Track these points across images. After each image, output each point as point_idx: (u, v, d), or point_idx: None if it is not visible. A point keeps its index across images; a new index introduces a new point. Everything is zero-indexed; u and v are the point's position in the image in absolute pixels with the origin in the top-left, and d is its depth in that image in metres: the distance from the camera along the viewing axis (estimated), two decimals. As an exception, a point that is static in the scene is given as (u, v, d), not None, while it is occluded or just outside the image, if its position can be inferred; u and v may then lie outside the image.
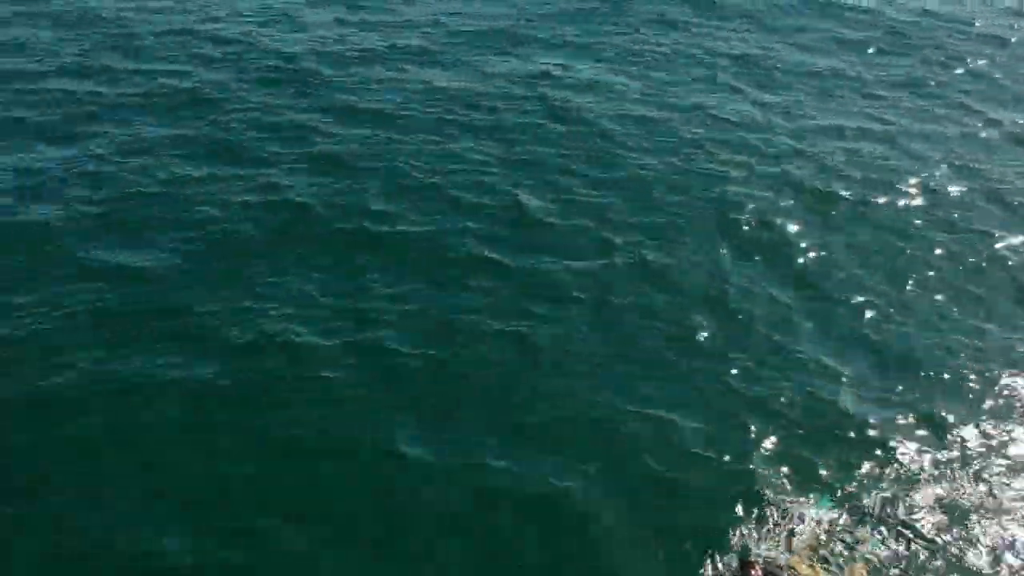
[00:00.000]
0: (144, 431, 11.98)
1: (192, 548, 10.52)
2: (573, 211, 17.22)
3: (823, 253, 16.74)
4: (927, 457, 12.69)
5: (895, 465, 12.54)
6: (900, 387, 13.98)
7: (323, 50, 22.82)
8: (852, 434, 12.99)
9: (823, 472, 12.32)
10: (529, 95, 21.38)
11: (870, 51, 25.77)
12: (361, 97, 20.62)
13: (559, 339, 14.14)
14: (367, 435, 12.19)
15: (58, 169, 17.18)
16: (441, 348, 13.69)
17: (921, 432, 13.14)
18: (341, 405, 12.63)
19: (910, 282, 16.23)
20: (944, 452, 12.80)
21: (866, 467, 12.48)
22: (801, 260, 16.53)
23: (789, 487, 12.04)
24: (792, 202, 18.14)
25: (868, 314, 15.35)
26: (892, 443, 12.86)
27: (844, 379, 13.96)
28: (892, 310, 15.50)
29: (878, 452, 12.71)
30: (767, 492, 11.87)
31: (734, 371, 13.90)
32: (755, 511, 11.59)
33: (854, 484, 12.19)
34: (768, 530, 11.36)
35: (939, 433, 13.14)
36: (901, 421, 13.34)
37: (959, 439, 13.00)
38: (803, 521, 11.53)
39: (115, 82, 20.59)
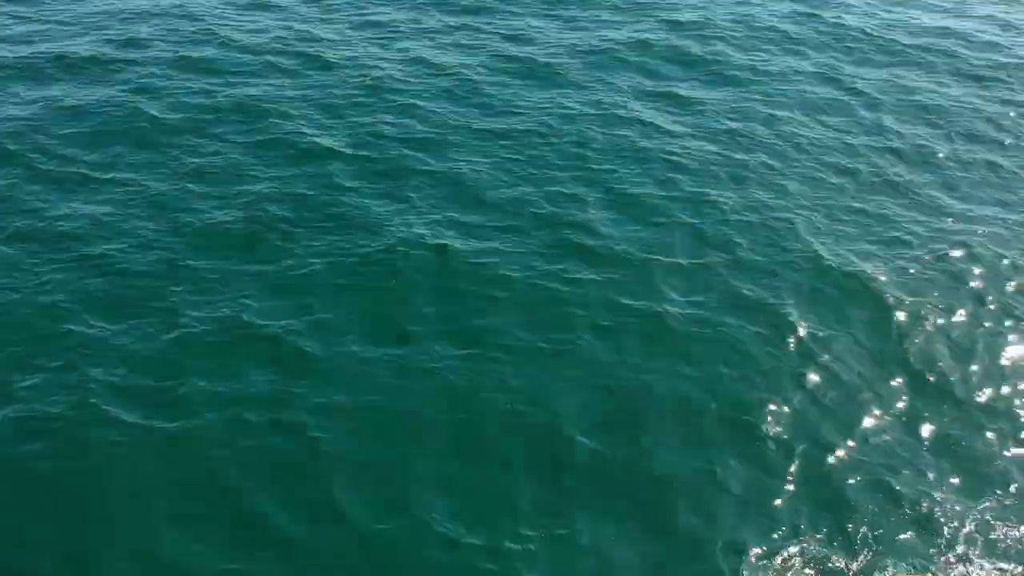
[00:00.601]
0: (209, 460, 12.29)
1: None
2: (651, 239, 16.86)
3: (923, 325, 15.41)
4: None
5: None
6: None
7: (424, 58, 23.13)
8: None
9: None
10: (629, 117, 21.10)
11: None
12: (467, 115, 20.67)
13: (607, 363, 13.98)
14: (443, 412, 12.66)
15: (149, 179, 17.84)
16: (472, 366, 13.75)
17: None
18: (378, 429, 12.73)
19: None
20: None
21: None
22: (897, 327, 15.23)
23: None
24: (903, 263, 16.71)
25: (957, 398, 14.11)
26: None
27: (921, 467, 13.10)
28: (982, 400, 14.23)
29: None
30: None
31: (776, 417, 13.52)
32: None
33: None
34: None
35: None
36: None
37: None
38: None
39: (205, 84, 21.34)
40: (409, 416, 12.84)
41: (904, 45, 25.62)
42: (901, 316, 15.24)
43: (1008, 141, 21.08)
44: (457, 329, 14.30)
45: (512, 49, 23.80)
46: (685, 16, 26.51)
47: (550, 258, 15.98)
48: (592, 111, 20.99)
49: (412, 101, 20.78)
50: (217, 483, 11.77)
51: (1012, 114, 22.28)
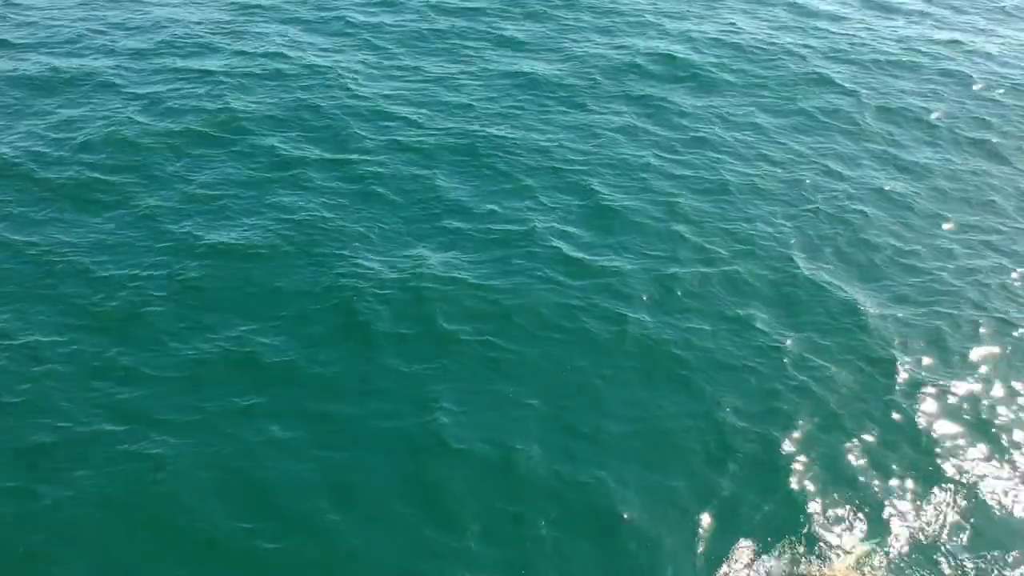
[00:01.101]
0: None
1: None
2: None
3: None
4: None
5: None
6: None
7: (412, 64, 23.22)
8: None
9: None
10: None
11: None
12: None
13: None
14: (409, 419, 12.91)
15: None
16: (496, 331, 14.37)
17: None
18: (387, 388, 13.30)
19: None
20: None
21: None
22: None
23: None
24: (880, 266, 17.14)
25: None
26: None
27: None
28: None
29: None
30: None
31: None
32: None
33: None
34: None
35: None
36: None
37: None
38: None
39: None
40: (374, 427, 12.91)
41: (897, 56, 25.61)
42: (876, 321, 15.27)
43: (996, 146, 21.09)
44: (429, 338, 14.33)
45: (499, 59, 23.84)
46: (675, 26, 26.52)
47: (525, 269, 15.97)
48: (579, 121, 21.01)
49: (398, 110, 20.86)
50: (188, 498, 11.80)
51: (1002, 124, 22.26)
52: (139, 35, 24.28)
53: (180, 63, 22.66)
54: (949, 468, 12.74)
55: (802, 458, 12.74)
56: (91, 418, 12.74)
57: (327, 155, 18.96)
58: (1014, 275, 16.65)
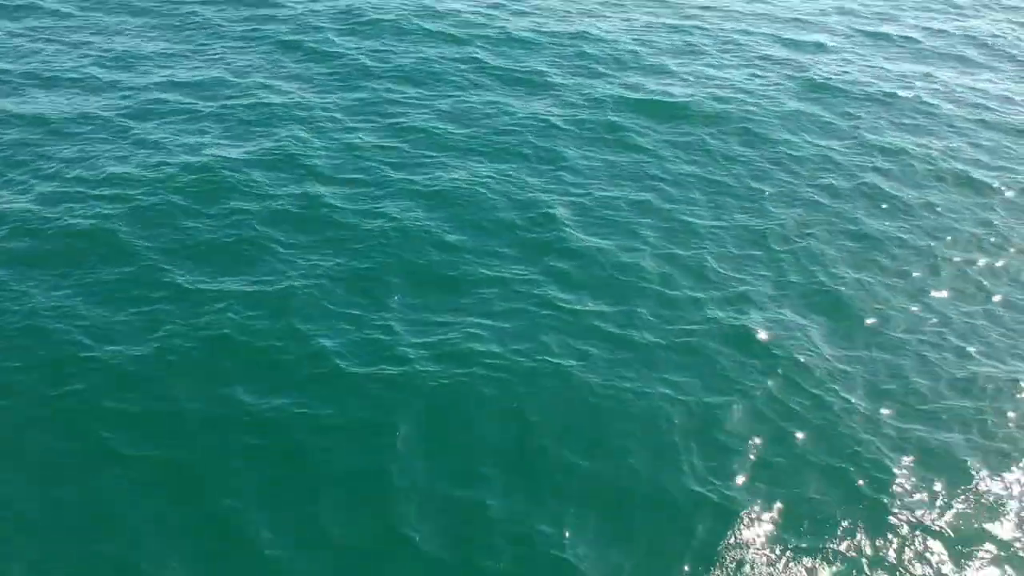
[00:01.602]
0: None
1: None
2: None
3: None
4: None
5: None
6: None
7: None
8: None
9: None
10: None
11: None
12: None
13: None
14: (377, 456, 13.23)
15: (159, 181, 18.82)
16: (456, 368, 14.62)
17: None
18: (360, 430, 13.62)
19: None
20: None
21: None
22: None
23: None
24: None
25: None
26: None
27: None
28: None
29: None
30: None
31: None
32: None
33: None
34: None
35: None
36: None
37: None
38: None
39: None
40: (389, 427, 13.50)
41: (880, 88, 25.97)
42: (845, 361, 15.59)
43: (976, 181, 21.38)
44: (402, 377, 14.59)
45: (487, 95, 24.20)
46: (657, 61, 26.87)
47: (501, 308, 16.22)
48: (559, 159, 21.26)
49: (388, 143, 21.18)
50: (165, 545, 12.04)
51: (988, 159, 22.59)
52: (134, 70, 24.56)
53: (172, 97, 22.92)
54: (916, 497, 13.15)
55: (769, 488, 13.12)
56: (73, 458, 13.04)
57: (317, 190, 19.19)
58: (984, 311, 17.00)
